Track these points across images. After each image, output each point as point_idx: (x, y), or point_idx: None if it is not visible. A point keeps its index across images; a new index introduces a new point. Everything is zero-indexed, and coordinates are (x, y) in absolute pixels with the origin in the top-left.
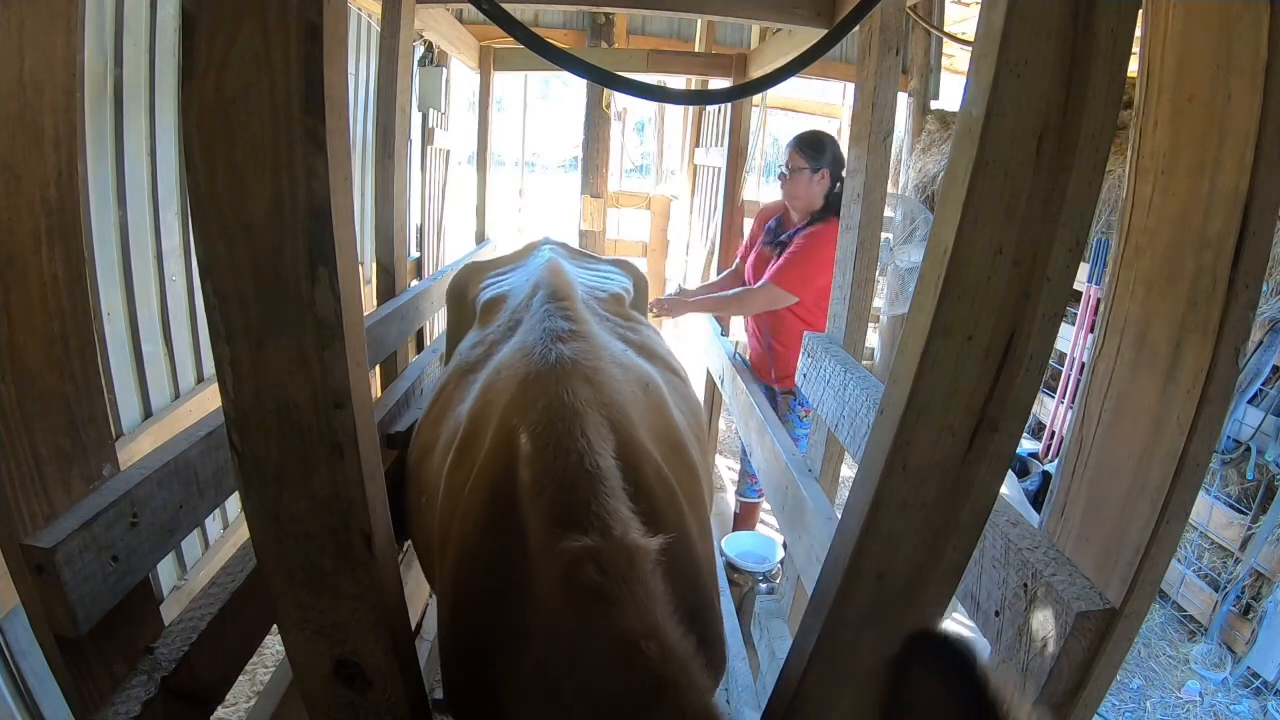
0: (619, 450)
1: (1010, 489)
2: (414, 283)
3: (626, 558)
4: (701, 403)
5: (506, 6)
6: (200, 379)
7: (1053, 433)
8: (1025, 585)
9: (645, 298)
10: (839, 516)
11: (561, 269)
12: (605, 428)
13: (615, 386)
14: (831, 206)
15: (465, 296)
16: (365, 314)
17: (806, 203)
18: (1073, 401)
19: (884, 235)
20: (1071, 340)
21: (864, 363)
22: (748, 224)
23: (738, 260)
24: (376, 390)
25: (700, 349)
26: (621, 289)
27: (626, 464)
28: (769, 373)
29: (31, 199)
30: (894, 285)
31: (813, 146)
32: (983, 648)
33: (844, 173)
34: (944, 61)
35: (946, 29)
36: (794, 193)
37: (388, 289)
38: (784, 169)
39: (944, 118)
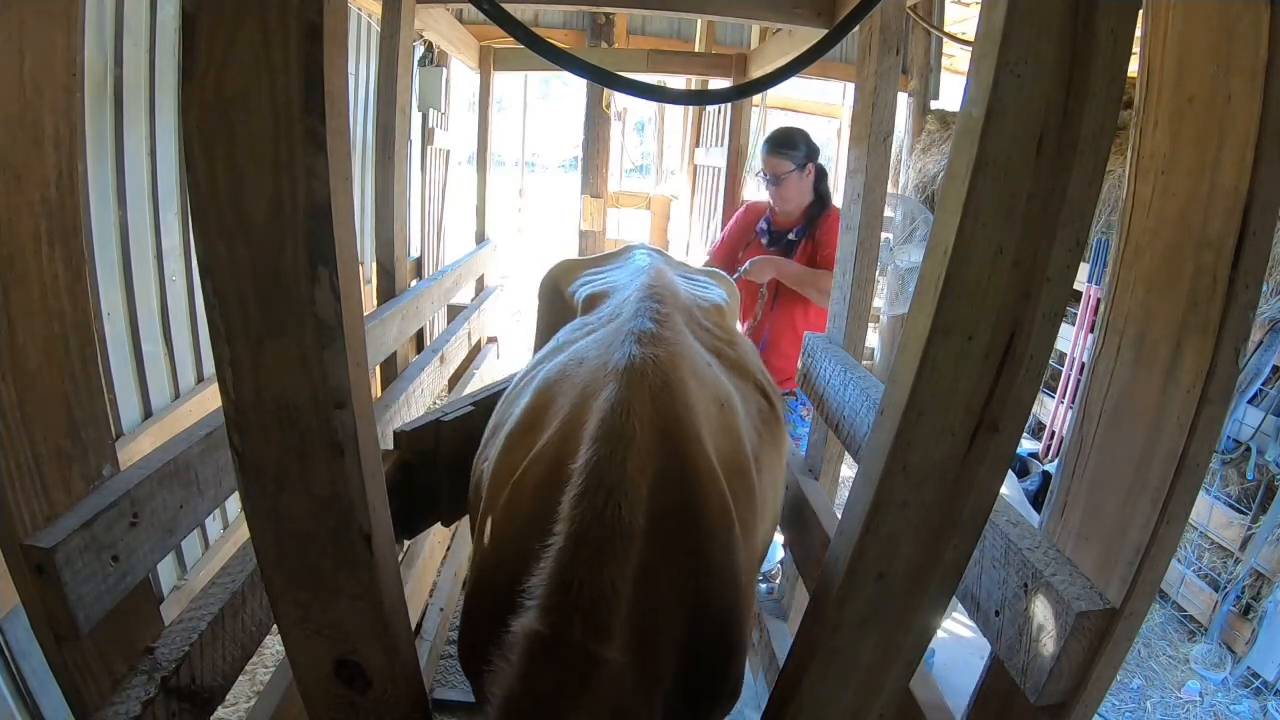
0: (669, 479)
1: (1010, 489)
2: (414, 283)
3: (574, 666)
4: (783, 425)
5: (506, 6)
6: (200, 379)
7: (1053, 433)
8: (1025, 585)
9: (735, 312)
10: (839, 516)
11: (667, 272)
12: (654, 456)
13: (687, 401)
14: (823, 196)
15: (560, 291)
16: (365, 314)
17: (801, 200)
18: (1073, 401)
19: (884, 235)
20: (1071, 340)
21: (864, 363)
22: None
23: (707, 263)
24: (376, 390)
25: None
26: (721, 299)
27: (684, 483)
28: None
29: (31, 199)
30: (894, 285)
31: (788, 145)
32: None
33: (820, 159)
34: (944, 61)
35: (946, 29)
36: (789, 195)
37: (388, 289)
38: (767, 176)
39: (944, 118)
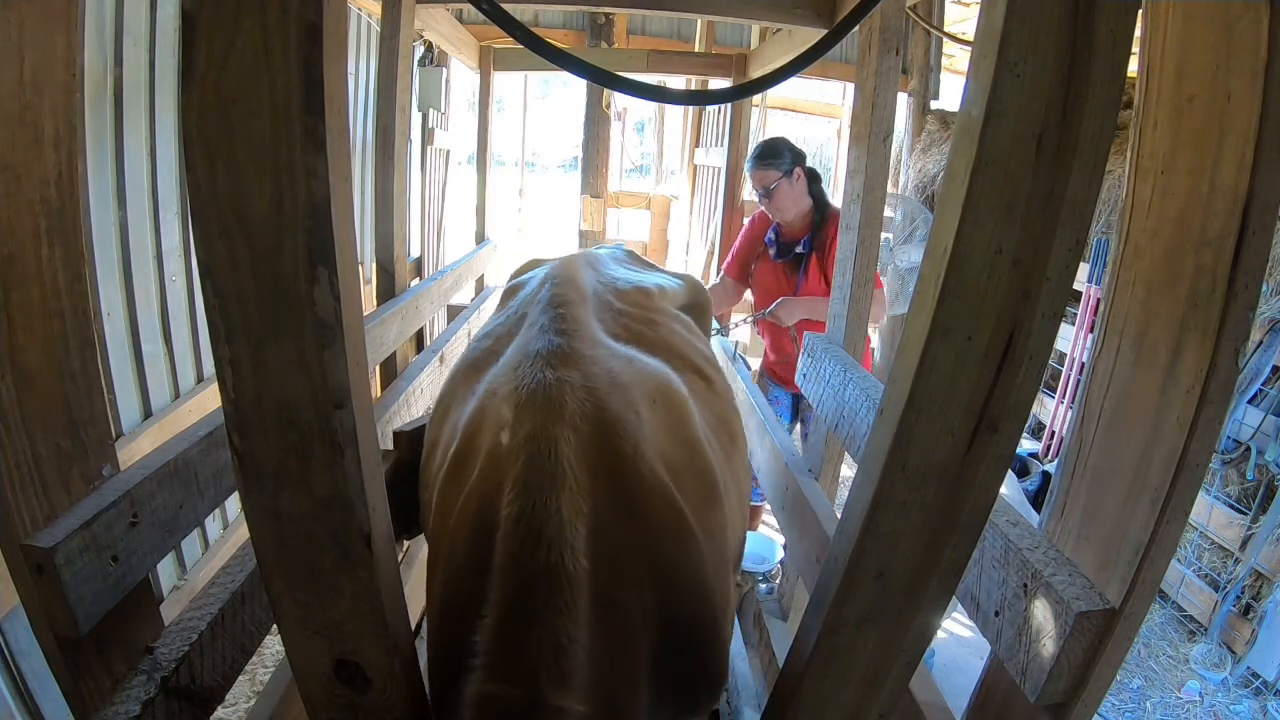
0: (608, 505)
1: (1010, 489)
2: (414, 283)
3: None
4: (735, 399)
5: (506, 6)
6: (200, 379)
7: (1053, 433)
8: (1025, 585)
9: (704, 314)
10: (839, 516)
11: (576, 261)
12: (588, 492)
13: (613, 419)
14: (820, 199)
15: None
16: (365, 314)
17: (799, 207)
18: (1073, 401)
19: (884, 235)
20: (1071, 340)
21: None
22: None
23: (723, 274)
24: (376, 390)
25: None
26: (655, 285)
27: (626, 506)
28: (787, 376)
29: (31, 199)
30: (894, 285)
31: (771, 155)
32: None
33: (808, 161)
34: (944, 61)
35: (946, 29)
36: (784, 205)
37: (388, 289)
38: (759, 191)
39: (944, 118)
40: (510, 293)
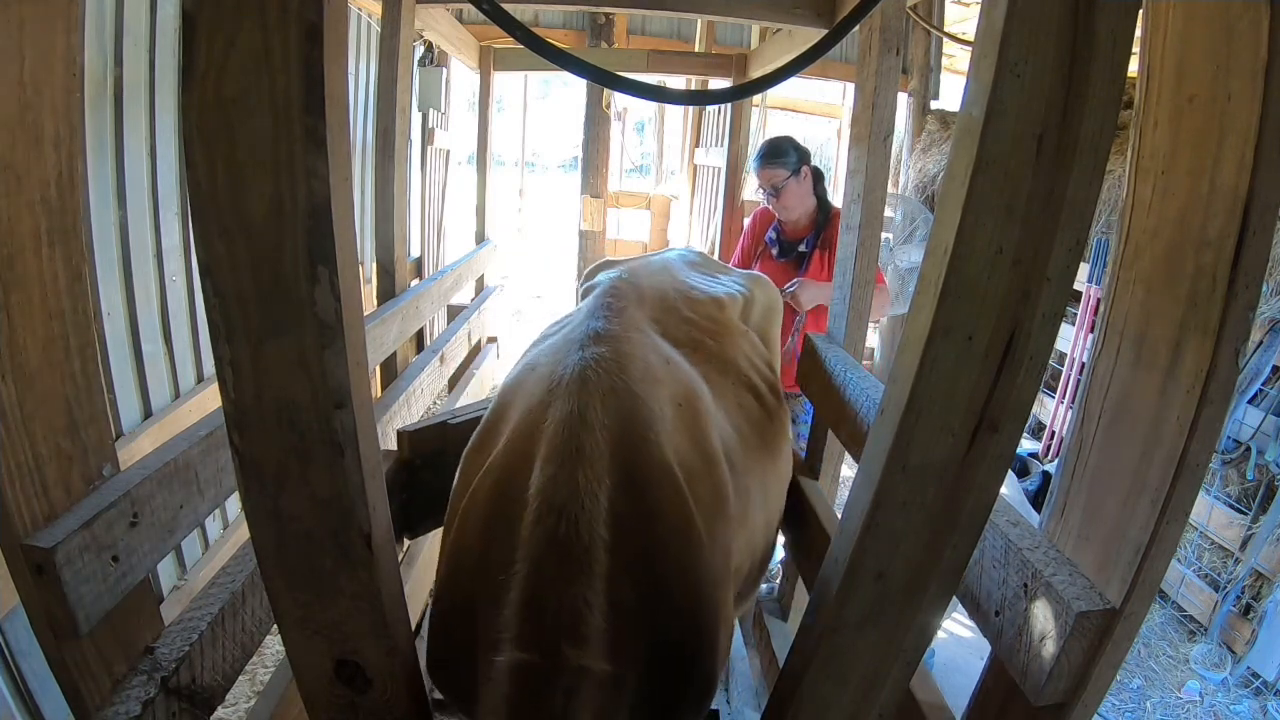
0: (623, 485)
1: (1010, 489)
2: (414, 283)
3: (565, 682)
4: (789, 432)
5: (506, 7)
6: (200, 379)
7: (1053, 433)
8: (1025, 585)
9: (773, 313)
10: (839, 516)
11: (648, 264)
12: (609, 462)
13: (637, 402)
14: (822, 199)
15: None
16: (365, 314)
17: (804, 205)
18: (1073, 401)
19: (884, 235)
20: (1071, 340)
21: (864, 363)
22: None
23: None
24: (376, 390)
25: None
26: (727, 294)
27: (636, 488)
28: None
29: (31, 199)
30: (894, 285)
31: (778, 154)
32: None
33: (814, 160)
34: (944, 61)
35: (946, 29)
36: (791, 204)
37: (387, 289)
38: (766, 190)
39: (944, 118)
40: (584, 294)
